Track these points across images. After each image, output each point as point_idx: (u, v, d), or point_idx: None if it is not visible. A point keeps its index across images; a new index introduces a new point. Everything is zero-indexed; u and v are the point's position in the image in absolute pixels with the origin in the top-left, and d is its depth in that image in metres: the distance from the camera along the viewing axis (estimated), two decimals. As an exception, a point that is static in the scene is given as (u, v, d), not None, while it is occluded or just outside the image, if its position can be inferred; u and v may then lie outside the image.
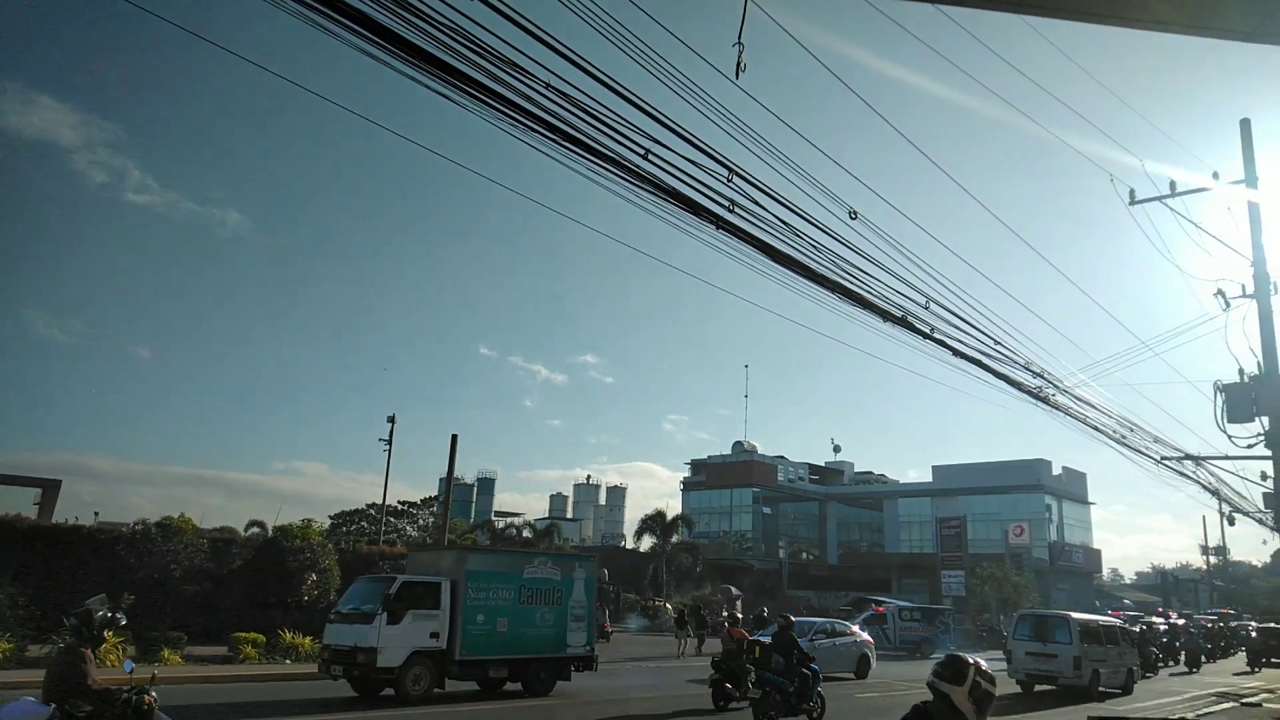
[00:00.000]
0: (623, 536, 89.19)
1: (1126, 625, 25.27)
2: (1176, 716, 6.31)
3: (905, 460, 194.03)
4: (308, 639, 20.25)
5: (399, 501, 57.26)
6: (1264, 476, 19.13)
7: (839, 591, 57.07)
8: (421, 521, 54.60)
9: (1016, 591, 49.98)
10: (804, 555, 67.50)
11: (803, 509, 72.54)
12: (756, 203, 8.05)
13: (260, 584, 24.14)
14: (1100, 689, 20.06)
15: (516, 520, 62.67)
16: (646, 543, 54.22)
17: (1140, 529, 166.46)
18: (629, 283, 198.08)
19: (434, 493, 56.32)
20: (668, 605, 37.81)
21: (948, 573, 55.84)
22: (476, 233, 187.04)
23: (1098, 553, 69.56)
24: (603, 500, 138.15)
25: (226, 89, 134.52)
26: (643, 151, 7.14)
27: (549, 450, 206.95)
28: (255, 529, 32.10)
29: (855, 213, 9.49)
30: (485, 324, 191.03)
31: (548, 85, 6.40)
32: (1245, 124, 19.33)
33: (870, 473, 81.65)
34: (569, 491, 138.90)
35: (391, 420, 37.51)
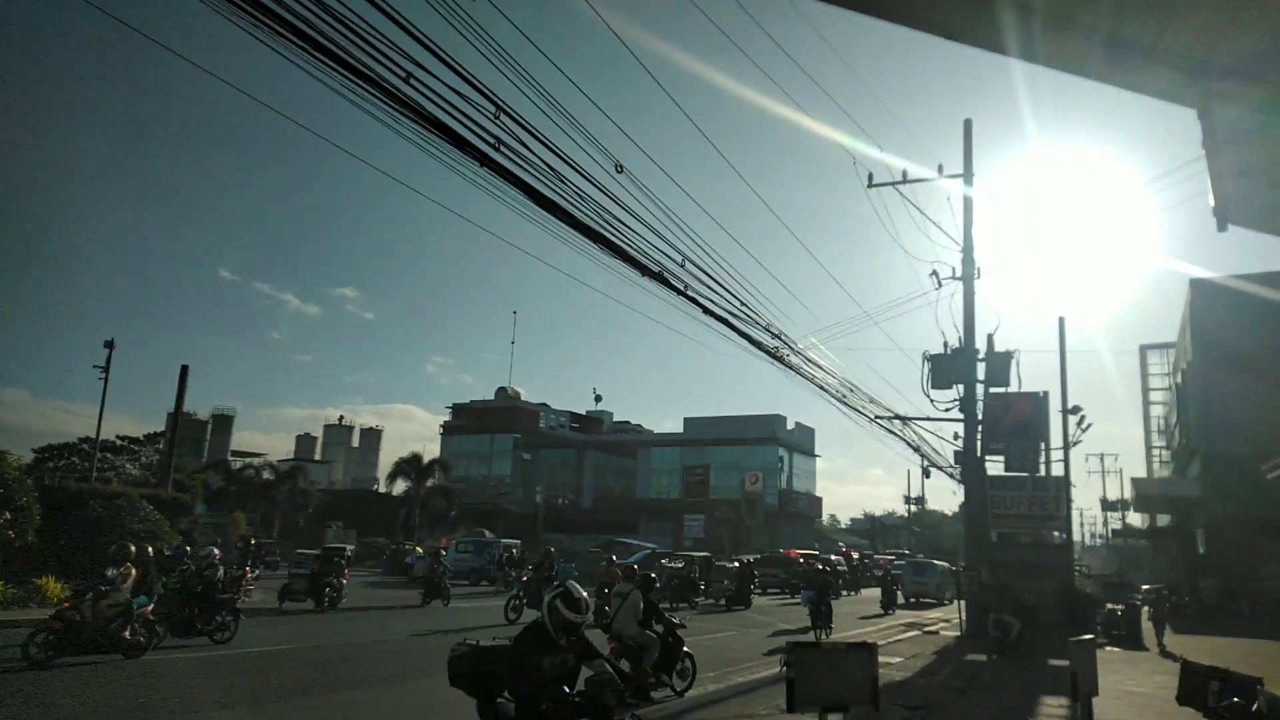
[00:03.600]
0: (376, 480, 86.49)
1: (955, 567, 35.02)
2: (861, 641, 7.34)
3: (660, 411, 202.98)
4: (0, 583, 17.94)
5: (118, 437, 51.58)
6: (956, 436, 22.05)
7: (591, 534, 59.08)
8: (145, 460, 49.63)
9: (749, 534, 54.42)
10: (560, 500, 69.07)
11: (562, 455, 73.99)
12: (524, 144, 7.91)
13: (-65, 525, 20.88)
14: (945, 601, 32.88)
15: (256, 461, 58.56)
16: (400, 487, 52.92)
17: (857, 479, 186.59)
18: (395, 215, 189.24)
19: (161, 428, 51.23)
20: (418, 549, 37.48)
21: (690, 516, 59.65)
22: (217, 142, 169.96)
23: (819, 500, 77.08)
24: (356, 442, 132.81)
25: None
26: (404, 74, 6.76)
27: (298, 387, 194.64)
28: (-65, 460, 27.54)
29: (621, 166, 9.62)
30: (226, 244, 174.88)
31: (297, -13, 5.86)
32: (968, 124, 21.73)
33: (628, 422, 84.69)
34: (319, 432, 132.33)
35: (110, 345, 33.46)
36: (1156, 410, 63.15)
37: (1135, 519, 59.86)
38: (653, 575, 11.52)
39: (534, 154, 8.03)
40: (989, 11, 2.75)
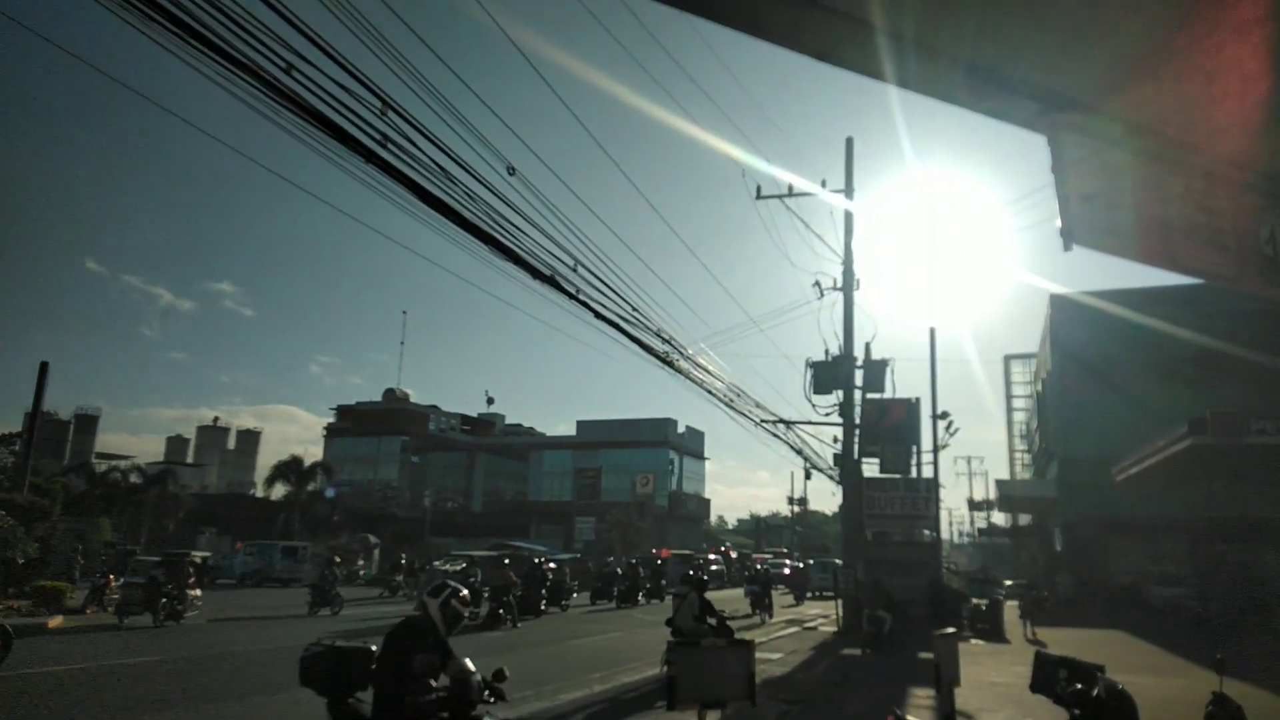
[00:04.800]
0: (253, 485, 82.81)
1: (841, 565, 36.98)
2: (740, 638, 7.65)
3: (553, 414, 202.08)
4: None
5: (-32, 437, 47.67)
6: (836, 440, 22.88)
7: (482, 538, 58.31)
8: (-1, 462, 45.98)
9: (639, 535, 54.91)
10: (449, 504, 67.82)
11: (452, 458, 72.67)
12: (412, 142, 7.80)
13: None
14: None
15: (123, 464, 55.07)
16: (280, 491, 50.83)
17: (745, 482, 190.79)
18: (277, 208, 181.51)
19: (18, 429, 47.58)
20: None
21: (581, 519, 59.68)
22: (85, 128, 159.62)
23: (708, 501, 78.37)
24: (232, 445, 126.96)
25: None
26: (285, 66, 6.57)
27: (170, 387, 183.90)
28: None
29: (513, 168, 9.60)
30: (94, 233, 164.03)
31: (172, -29, 5.61)
32: (849, 142, 22.59)
33: (521, 425, 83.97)
34: (192, 434, 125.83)
35: (-43, 340, 30.97)
36: (1019, 416, 67.04)
37: (999, 518, 63.36)
38: (705, 578, 13.75)
39: (422, 152, 7.91)
40: (861, 37, 2.89)
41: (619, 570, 31.53)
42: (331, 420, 73.60)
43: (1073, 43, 2.95)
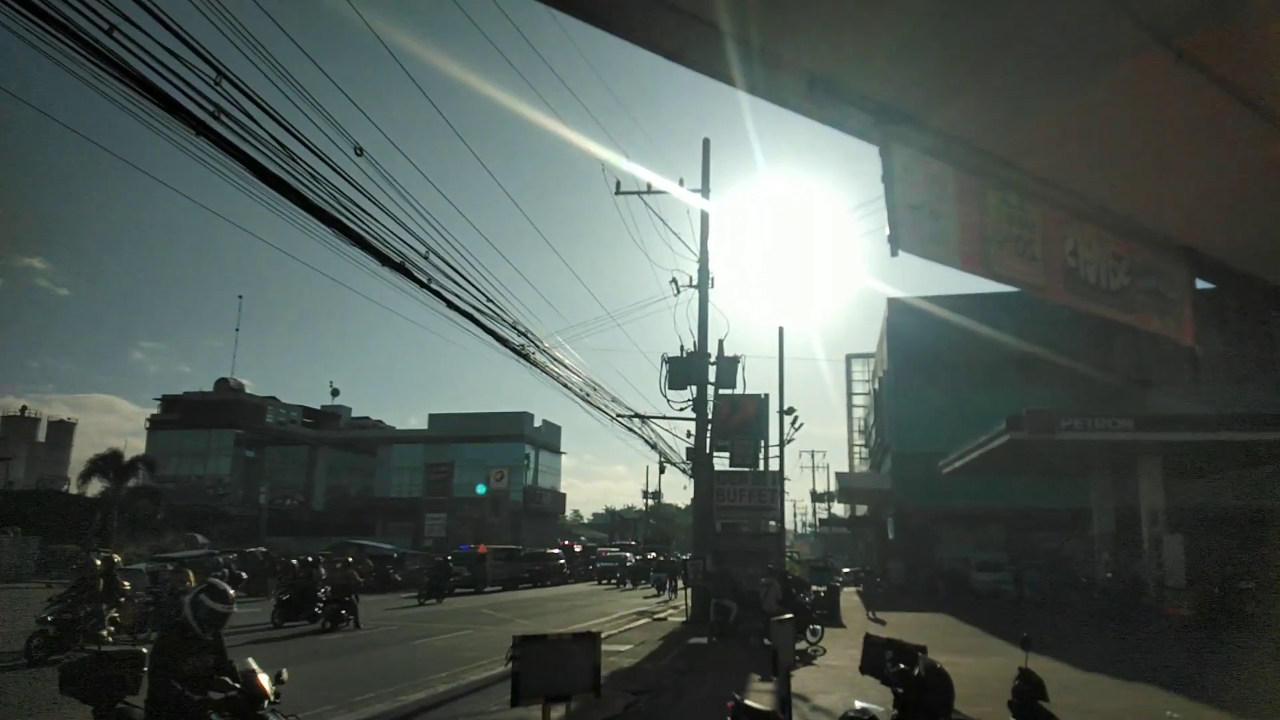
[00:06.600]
0: (68, 480, 75.97)
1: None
2: (586, 630, 7.71)
3: (405, 407, 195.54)
4: None
5: None
6: (689, 434, 23.38)
7: (323, 536, 55.93)
8: None
9: (492, 531, 54.34)
10: (288, 501, 64.59)
11: (292, 453, 69.25)
12: (249, 115, 7.34)
13: None
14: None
15: (-89, 458, 49.36)
16: (97, 487, 46.90)
17: (601, 476, 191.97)
18: (100, 181, 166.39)
19: None
20: (115, 557, 33.62)
21: (431, 515, 58.30)
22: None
23: (564, 496, 78.43)
24: (43, 437, 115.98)
25: None
26: (107, 27, 6.04)
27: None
28: None
29: (361, 149, 9.22)
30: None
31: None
32: (706, 143, 23.09)
33: (369, 418, 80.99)
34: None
35: None
36: (859, 413, 70.72)
37: (839, 509, 66.58)
38: (784, 570, 16.68)
39: (261, 127, 7.47)
40: (710, 41, 2.93)
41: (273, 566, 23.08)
42: (156, 411, 68.59)
43: (900, 58, 3.12)
